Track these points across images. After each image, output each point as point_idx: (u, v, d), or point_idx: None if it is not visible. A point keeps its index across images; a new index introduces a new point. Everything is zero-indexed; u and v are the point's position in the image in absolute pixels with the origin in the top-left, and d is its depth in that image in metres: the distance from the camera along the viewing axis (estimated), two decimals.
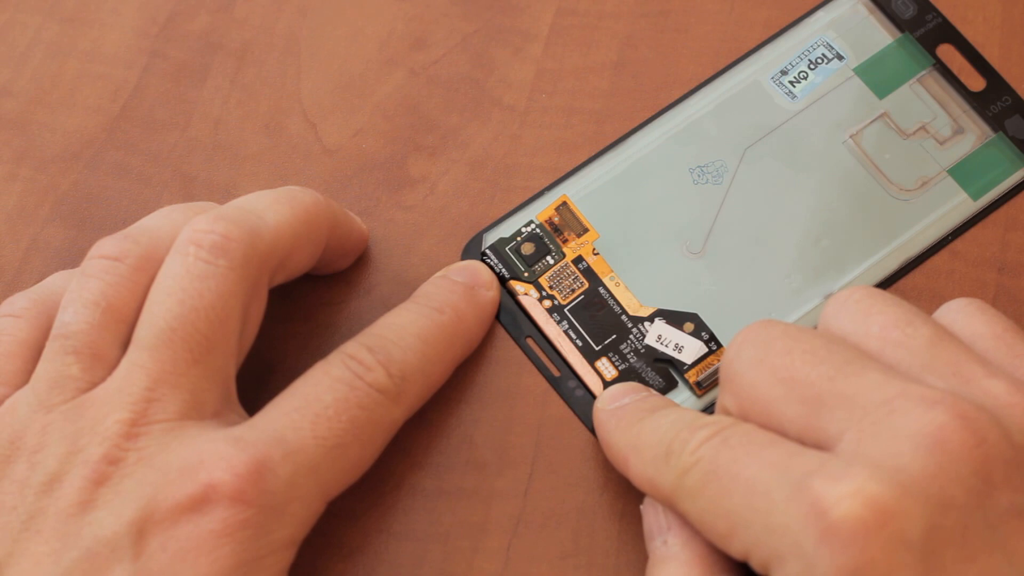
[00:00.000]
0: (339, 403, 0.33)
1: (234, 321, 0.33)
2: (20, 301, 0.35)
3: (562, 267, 0.38)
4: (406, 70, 0.43)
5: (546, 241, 0.39)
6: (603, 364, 0.38)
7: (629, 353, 0.38)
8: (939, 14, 0.42)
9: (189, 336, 0.32)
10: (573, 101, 0.42)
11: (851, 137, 0.40)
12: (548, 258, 0.39)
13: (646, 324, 0.38)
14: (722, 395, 0.33)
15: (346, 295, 0.40)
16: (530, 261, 0.39)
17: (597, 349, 0.38)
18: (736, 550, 0.30)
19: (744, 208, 0.40)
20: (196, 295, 0.32)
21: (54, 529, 0.30)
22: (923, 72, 0.41)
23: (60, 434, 0.31)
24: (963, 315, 0.33)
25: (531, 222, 0.39)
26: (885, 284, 0.39)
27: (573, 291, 0.38)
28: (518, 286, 0.38)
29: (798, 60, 0.41)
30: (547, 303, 0.38)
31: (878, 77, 0.41)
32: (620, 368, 0.38)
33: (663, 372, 0.38)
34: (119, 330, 0.33)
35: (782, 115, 0.41)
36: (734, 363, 0.32)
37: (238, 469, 0.30)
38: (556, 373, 0.38)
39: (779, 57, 0.42)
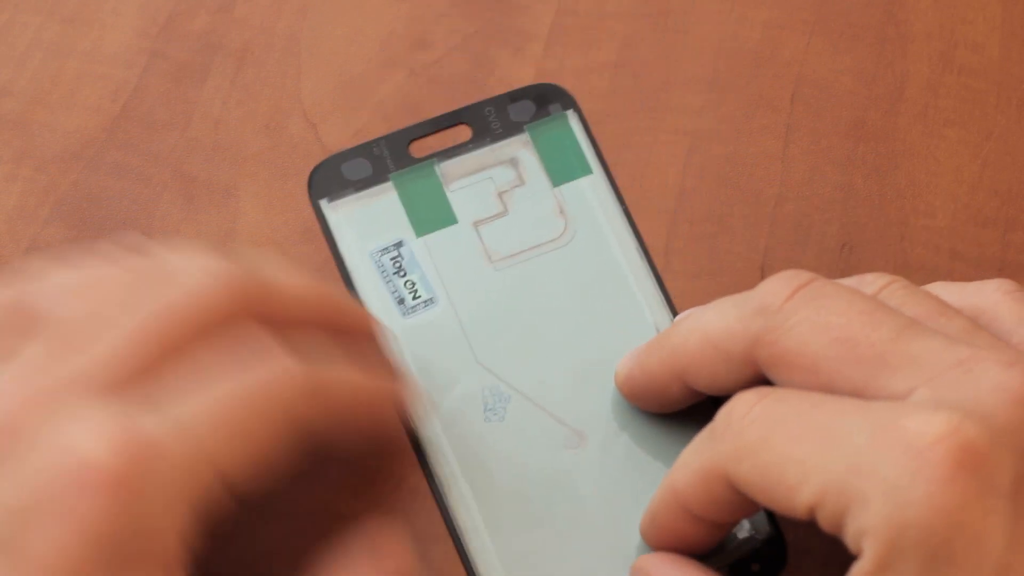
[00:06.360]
0: (238, 388, 0.30)
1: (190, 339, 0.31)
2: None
3: None
4: (406, 70, 0.43)
5: None
6: None
7: None
8: (380, 145, 0.40)
9: (150, 328, 0.31)
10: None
11: (492, 261, 0.39)
12: None
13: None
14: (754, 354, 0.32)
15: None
16: None
17: None
18: (803, 501, 0.29)
19: (552, 388, 0.38)
20: (182, 303, 0.31)
21: None
22: (436, 176, 0.40)
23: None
24: (1010, 299, 0.33)
25: None
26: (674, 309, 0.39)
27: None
28: None
29: (389, 280, 0.38)
30: None
31: (427, 219, 0.39)
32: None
33: None
34: None
35: (448, 315, 0.38)
36: (776, 316, 0.31)
37: (108, 447, 0.29)
38: None
39: (380, 294, 0.38)
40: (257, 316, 0.32)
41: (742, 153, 0.42)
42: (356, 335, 0.36)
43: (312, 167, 0.41)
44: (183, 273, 0.32)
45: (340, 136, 0.42)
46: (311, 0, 0.44)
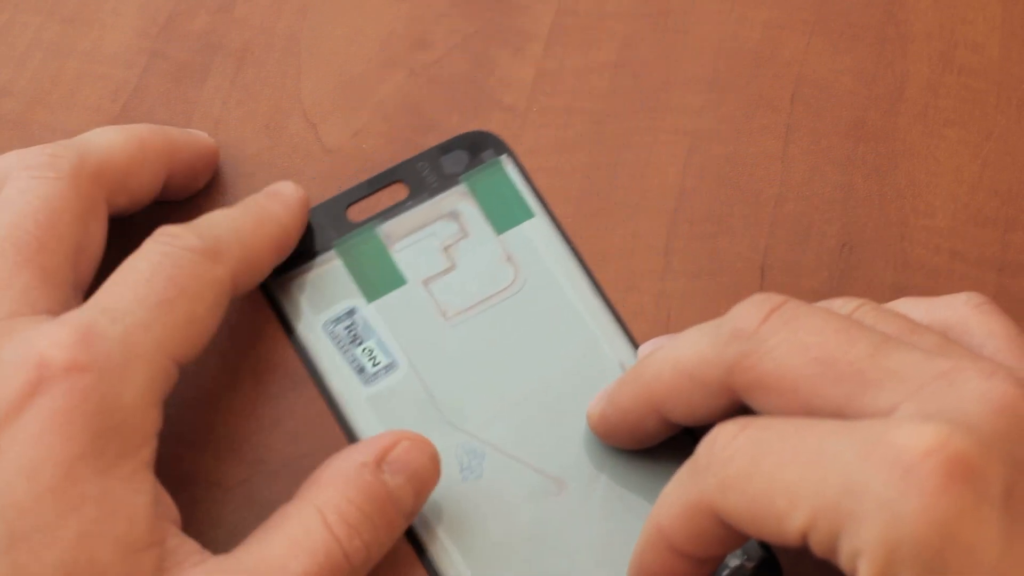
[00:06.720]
0: (154, 267, 0.33)
1: (65, 225, 0.34)
2: None
3: None
4: (406, 70, 0.43)
5: None
6: None
7: None
8: (317, 214, 0.40)
9: (18, 239, 0.33)
10: (573, 101, 0.42)
11: (447, 318, 0.38)
12: None
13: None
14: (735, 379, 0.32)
15: None
16: None
17: None
18: (794, 527, 0.28)
19: (531, 434, 0.37)
20: (23, 202, 0.34)
21: None
22: (378, 238, 0.39)
23: None
24: (979, 312, 0.33)
25: None
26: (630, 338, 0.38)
27: None
28: None
29: (346, 350, 0.38)
30: None
31: (375, 283, 0.39)
32: None
33: None
34: None
35: (410, 377, 0.38)
36: (751, 341, 0.31)
37: (64, 340, 0.31)
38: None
39: (339, 365, 0.38)
40: (107, 186, 0.36)
41: (742, 153, 0.42)
42: (198, 158, 0.39)
43: (312, 167, 0.41)
44: (20, 185, 0.34)
45: (340, 136, 0.42)
46: (311, 0, 0.44)
